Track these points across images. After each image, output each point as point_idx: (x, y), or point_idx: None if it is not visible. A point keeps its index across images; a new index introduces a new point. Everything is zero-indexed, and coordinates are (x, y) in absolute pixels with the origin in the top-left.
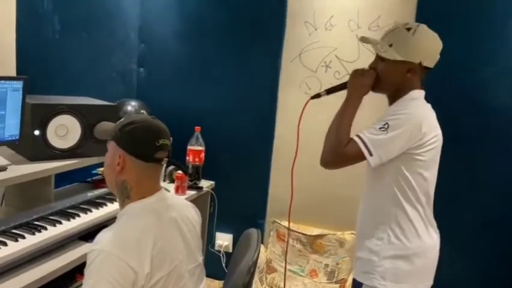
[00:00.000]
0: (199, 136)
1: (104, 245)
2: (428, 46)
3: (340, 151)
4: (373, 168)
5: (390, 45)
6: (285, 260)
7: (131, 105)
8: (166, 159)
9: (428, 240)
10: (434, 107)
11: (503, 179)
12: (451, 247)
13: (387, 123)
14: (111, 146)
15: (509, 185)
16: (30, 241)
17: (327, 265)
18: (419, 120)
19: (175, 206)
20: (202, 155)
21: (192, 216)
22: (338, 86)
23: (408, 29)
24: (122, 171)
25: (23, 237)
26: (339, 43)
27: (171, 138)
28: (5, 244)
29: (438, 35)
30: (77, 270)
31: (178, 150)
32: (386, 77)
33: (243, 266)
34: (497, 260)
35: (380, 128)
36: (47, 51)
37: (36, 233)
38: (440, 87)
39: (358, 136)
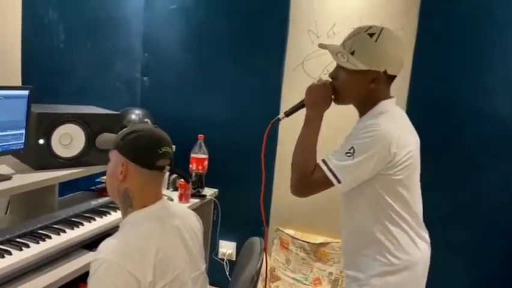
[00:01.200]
0: (202, 144)
1: (107, 253)
2: (392, 52)
3: (307, 180)
4: (347, 193)
5: (352, 53)
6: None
7: (135, 114)
8: (168, 167)
9: (416, 253)
10: (433, 116)
11: (503, 187)
12: (449, 256)
13: (352, 147)
14: (113, 155)
15: (508, 194)
16: (35, 250)
17: (331, 273)
18: (388, 141)
19: (178, 214)
20: (206, 163)
21: (194, 224)
22: (295, 106)
23: (371, 35)
24: (125, 179)
25: (28, 246)
26: None
27: (173, 146)
28: (9, 253)
29: (440, 43)
30: (81, 279)
31: (181, 159)
32: (347, 88)
33: (246, 275)
34: (495, 269)
35: (346, 154)
36: (52, 60)
37: (40, 241)
38: (440, 95)
39: (324, 163)
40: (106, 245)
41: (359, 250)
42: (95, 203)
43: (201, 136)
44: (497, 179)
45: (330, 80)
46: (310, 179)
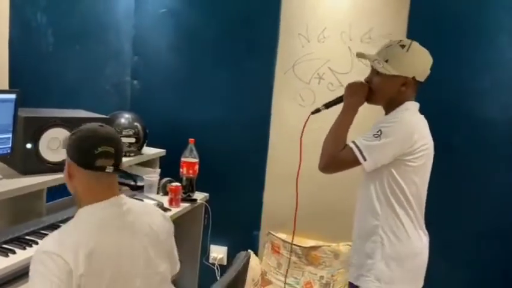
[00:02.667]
0: (193, 148)
1: (44, 247)
2: (420, 62)
3: (336, 156)
4: (367, 173)
5: (386, 61)
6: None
7: (125, 118)
8: (111, 167)
9: (418, 242)
10: (425, 119)
11: (495, 190)
12: (444, 256)
13: (380, 130)
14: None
15: (501, 196)
16: (21, 256)
17: (322, 277)
18: (411, 127)
19: (134, 212)
20: (196, 167)
21: (155, 223)
22: (335, 100)
23: (403, 46)
24: (72, 179)
25: (14, 252)
26: (332, 55)
27: (119, 145)
28: None
29: (429, 47)
30: None
31: (172, 163)
32: (381, 90)
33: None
34: (489, 269)
35: (374, 135)
36: (40, 64)
37: (27, 247)
38: (430, 99)
39: (353, 142)
40: (45, 240)
41: (368, 233)
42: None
43: (191, 140)
44: (487, 180)
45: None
46: (339, 155)
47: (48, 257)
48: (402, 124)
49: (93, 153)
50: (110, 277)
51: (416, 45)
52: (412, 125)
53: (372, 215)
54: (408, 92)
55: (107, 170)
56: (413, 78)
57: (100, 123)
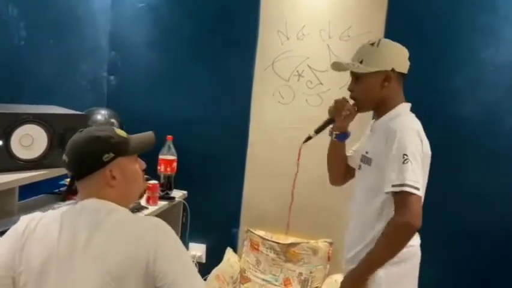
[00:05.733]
0: (171, 145)
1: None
2: (394, 53)
3: (409, 222)
4: (369, 179)
5: (361, 62)
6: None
7: (101, 114)
8: (72, 176)
9: (414, 242)
10: None
11: (467, 188)
12: (430, 255)
13: (405, 153)
14: None
15: (473, 194)
16: None
17: (300, 273)
18: (417, 134)
19: (86, 210)
20: (174, 164)
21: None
22: (324, 123)
23: (372, 44)
24: None
25: None
26: (311, 52)
27: (74, 155)
28: None
29: (407, 44)
30: None
31: (149, 160)
32: (366, 93)
33: None
34: (474, 268)
35: (404, 162)
36: (12, 58)
37: None
38: (408, 96)
39: (398, 186)
40: None
41: (364, 239)
42: (58, 206)
43: (169, 137)
44: (461, 179)
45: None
46: (410, 219)
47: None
48: (411, 135)
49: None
50: (38, 272)
51: (384, 40)
52: (416, 129)
53: (370, 221)
54: (393, 87)
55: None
56: (393, 70)
57: (81, 129)
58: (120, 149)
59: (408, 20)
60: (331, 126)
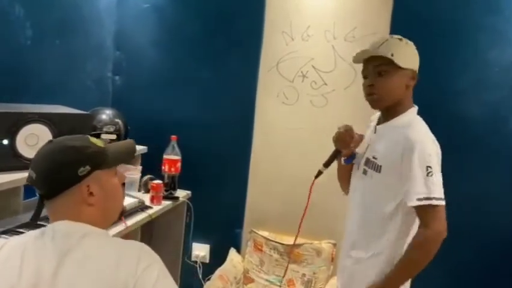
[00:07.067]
0: (175, 145)
1: None
2: (416, 53)
3: (434, 235)
4: (378, 187)
5: (392, 55)
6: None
7: (106, 114)
8: (40, 194)
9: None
10: None
11: (474, 190)
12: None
13: (428, 166)
14: None
15: (482, 195)
16: None
17: (304, 274)
18: (433, 142)
19: (59, 236)
20: (179, 164)
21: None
22: (331, 156)
23: (400, 39)
24: None
25: None
26: (316, 53)
27: (48, 168)
28: None
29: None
30: None
31: (153, 160)
32: (389, 90)
33: None
34: (467, 268)
35: (428, 174)
36: (19, 58)
37: None
38: (414, 97)
39: (435, 199)
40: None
41: (375, 250)
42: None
43: (174, 137)
44: (466, 179)
45: (349, 124)
46: (435, 232)
47: None
48: (429, 145)
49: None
50: None
51: (406, 39)
52: (431, 138)
53: (384, 231)
54: (410, 93)
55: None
56: (415, 72)
57: (50, 139)
58: (98, 160)
59: (413, 21)
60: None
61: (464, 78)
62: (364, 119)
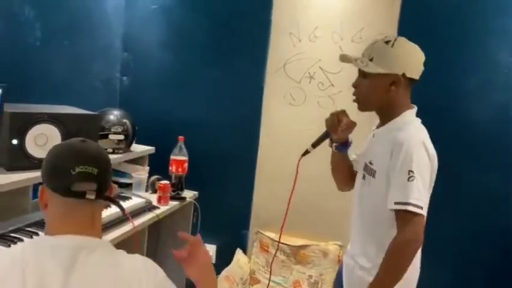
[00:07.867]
0: (183, 146)
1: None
2: (409, 56)
3: (411, 241)
4: (374, 193)
5: (371, 60)
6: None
7: (114, 115)
8: (93, 192)
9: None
10: None
11: (483, 191)
12: (431, 257)
13: (408, 170)
14: None
15: (489, 197)
16: None
17: (310, 276)
18: (425, 149)
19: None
20: (186, 165)
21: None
22: (320, 137)
23: (387, 42)
24: (47, 208)
25: None
26: (323, 54)
27: (104, 165)
28: None
29: (420, 47)
30: None
31: (161, 160)
32: (369, 93)
33: None
34: (475, 270)
35: (409, 179)
36: (28, 58)
37: (12, 245)
38: (418, 98)
39: (411, 205)
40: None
41: (372, 248)
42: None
43: (181, 138)
44: (473, 181)
45: (343, 109)
46: (411, 237)
47: None
48: (419, 150)
49: (70, 174)
50: None
51: (402, 40)
52: (425, 144)
53: (386, 242)
54: (400, 93)
55: (87, 196)
56: (403, 75)
57: (82, 138)
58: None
59: (421, 22)
60: (329, 138)
61: (472, 80)
62: (371, 120)
